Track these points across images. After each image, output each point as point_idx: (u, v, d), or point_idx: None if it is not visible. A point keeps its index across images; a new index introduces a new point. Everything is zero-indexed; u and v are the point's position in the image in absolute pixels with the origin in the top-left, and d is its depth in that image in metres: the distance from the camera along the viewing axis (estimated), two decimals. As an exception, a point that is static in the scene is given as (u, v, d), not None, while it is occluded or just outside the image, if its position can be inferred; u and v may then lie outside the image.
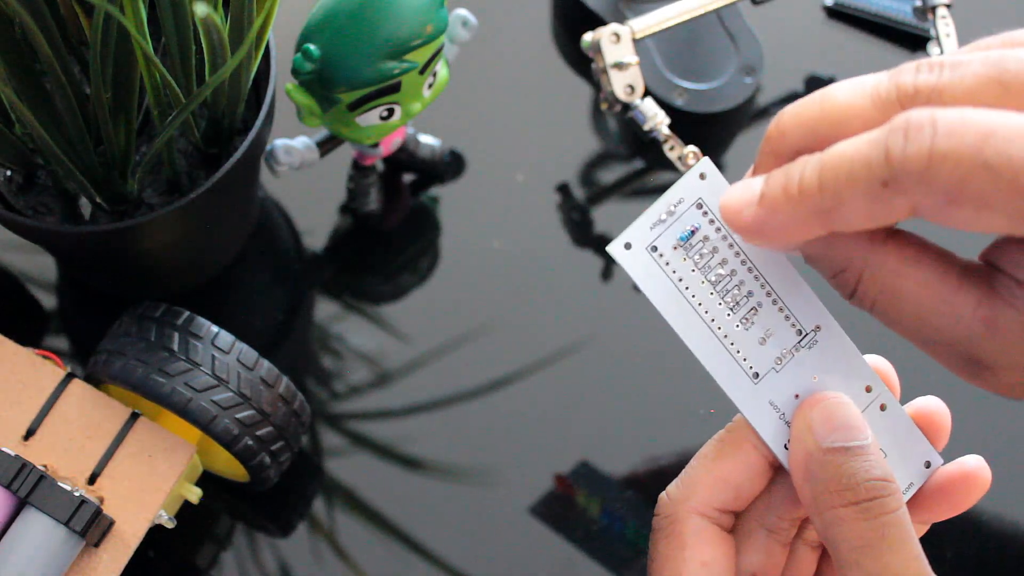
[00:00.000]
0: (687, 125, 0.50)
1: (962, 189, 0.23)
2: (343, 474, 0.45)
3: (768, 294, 0.30)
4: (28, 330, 0.47)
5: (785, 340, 0.31)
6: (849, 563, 0.28)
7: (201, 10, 0.31)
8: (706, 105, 0.51)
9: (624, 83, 0.46)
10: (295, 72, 0.40)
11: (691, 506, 0.31)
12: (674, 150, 0.46)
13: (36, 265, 0.48)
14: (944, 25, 0.49)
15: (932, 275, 0.27)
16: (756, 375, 0.31)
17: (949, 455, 0.32)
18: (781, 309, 0.30)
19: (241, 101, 0.40)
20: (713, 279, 0.30)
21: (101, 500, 0.37)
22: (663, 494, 0.32)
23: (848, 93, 0.26)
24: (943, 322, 0.26)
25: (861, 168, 0.24)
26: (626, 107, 0.46)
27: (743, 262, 0.30)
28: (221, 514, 0.44)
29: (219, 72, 0.34)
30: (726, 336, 0.30)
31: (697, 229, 0.30)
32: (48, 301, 0.48)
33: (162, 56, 0.40)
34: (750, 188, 0.27)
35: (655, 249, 0.30)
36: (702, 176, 0.30)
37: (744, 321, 0.30)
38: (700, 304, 0.30)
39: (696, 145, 0.46)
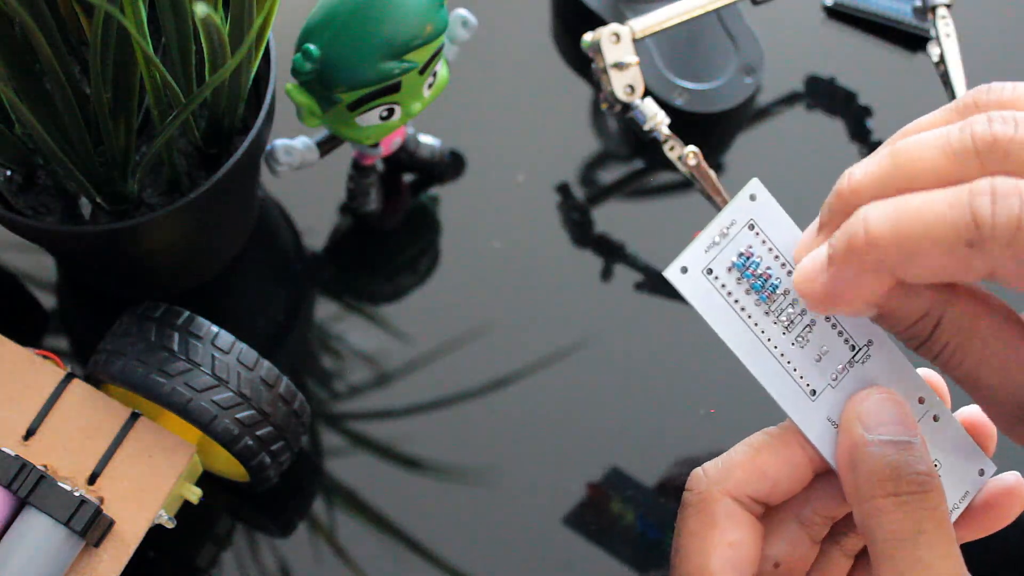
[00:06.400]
0: (687, 125, 0.50)
1: None
2: (343, 474, 0.45)
3: None
4: (28, 330, 0.47)
5: (840, 356, 0.31)
6: (883, 555, 0.29)
7: (201, 10, 0.31)
8: (706, 105, 0.51)
9: (624, 83, 0.46)
10: (295, 72, 0.40)
11: (726, 487, 0.31)
12: (674, 150, 0.46)
13: (36, 265, 0.48)
14: (944, 25, 0.49)
15: (1004, 320, 0.27)
16: (813, 392, 0.30)
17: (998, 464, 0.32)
18: (834, 326, 0.30)
19: (241, 101, 0.40)
20: (767, 298, 0.30)
21: (101, 500, 0.37)
22: (698, 470, 0.32)
23: (919, 146, 0.27)
24: (1010, 365, 0.27)
25: (942, 226, 0.25)
26: (626, 107, 0.46)
27: None
28: (221, 514, 0.44)
29: (219, 72, 0.34)
30: (783, 355, 0.30)
31: (750, 250, 0.30)
32: (48, 301, 0.48)
33: (162, 56, 0.40)
34: (818, 255, 0.28)
35: (711, 272, 0.29)
36: (752, 197, 0.29)
37: (800, 339, 0.30)
38: (756, 324, 0.30)
39: (696, 145, 0.46)
